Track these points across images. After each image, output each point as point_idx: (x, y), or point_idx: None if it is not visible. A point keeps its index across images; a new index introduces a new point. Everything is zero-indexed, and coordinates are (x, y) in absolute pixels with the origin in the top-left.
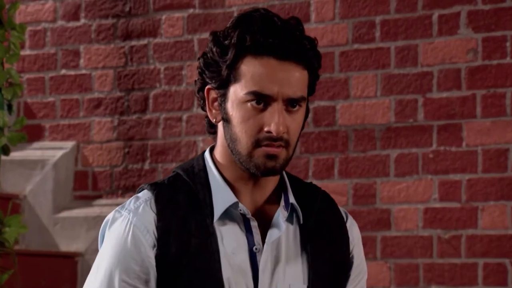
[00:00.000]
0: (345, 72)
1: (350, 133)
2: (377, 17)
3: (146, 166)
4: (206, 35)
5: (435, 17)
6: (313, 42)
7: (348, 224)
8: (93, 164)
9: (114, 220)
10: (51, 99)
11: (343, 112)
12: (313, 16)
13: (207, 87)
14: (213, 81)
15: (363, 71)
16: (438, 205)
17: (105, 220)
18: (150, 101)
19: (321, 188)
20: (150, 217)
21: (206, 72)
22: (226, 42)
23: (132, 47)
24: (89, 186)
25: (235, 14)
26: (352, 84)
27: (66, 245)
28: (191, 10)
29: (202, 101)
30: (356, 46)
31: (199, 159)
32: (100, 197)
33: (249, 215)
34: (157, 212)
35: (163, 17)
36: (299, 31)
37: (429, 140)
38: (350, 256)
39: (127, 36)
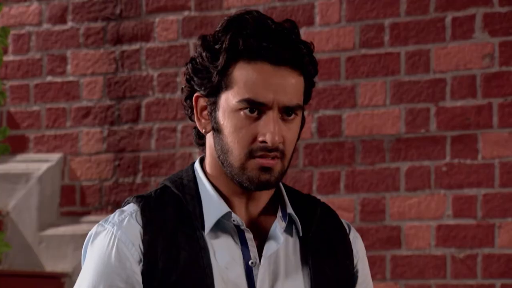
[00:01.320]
0: (351, 79)
1: (357, 144)
2: (386, 20)
3: (138, 179)
4: None
5: (448, 20)
6: (309, 46)
7: (351, 237)
8: (81, 178)
9: (97, 234)
10: (36, 108)
11: (349, 122)
12: (317, 19)
13: (195, 94)
14: (203, 88)
15: (371, 78)
16: (452, 222)
17: (88, 235)
18: (143, 110)
19: (323, 201)
20: (135, 230)
21: (195, 79)
22: (217, 46)
23: (123, 52)
24: (77, 202)
25: None
26: (359, 92)
27: (51, 265)
28: (186, 13)
29: (189, 110)
30: (363, 51)
31: (188, 170)
32: (88, 213)
33: (243, 226)
34: (143, 225)
35: (157, 20)
36: (294, 34)
37: (442, 152)
38: (355, 270)
39: (117, 40)
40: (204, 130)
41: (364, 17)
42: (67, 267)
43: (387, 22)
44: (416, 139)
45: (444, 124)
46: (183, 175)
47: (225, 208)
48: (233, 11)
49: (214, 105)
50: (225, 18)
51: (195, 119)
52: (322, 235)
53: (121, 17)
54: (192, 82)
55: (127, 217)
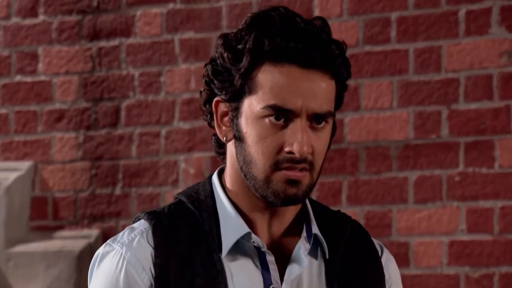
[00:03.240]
0: (354, 79)
1: (361, 151)
2: (393, 13)
3: (117, 191)
4: (189, 34)
5: (462, 13)
6: (341, 47)
7: (383, 259)
8: (53, 189)
9: (104, 255)
10: (3, 111)
11: (352, 127)
12: (316, 12)
13: (215, 99)
14: (224, 92)
15: (376, 78)
16: (466, 237)
17: (94, 256)
18: (122, 113)
19: (354, 219)
20: (146, 252)
21: (215, 82)
22: (240, 46)
23: (100, 49)
24: (49, 215)
25: (223, 10)
26: (363, 93)
27: (21, 285)
28: (171, 5)
29: (209, 115)
30: (368, 48)
31: (206, 184)
32: (61, 228)
33: (264, 248)
34: (155, 246)
35: (138, 13)
36: (325, 34)
37: (455, 160)
38: None
39: (94, 35)
40: (225, 139)
41: (368, 11)
42: (38, 287)
43: (394, 16)
44: (426, 145)
45: (457, 129)
46: (200, 189)
47: (244, 228)
48: (223, 4)
49: (236, 111)
50: (249, 15)
51: (215, 126)
52: (351, 258)
53: (98, 10)
54: (212, 85)
55: (138, 237)
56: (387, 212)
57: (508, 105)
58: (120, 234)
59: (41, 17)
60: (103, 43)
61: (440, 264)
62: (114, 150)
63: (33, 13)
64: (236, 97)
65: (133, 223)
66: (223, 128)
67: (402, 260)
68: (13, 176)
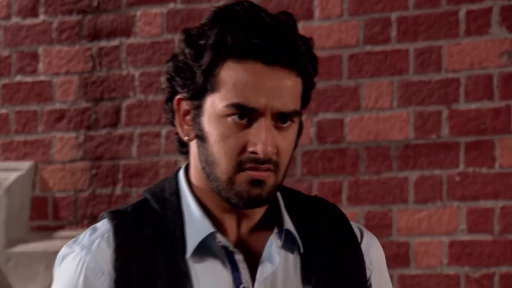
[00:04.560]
0: (355, 79)
1: (361, 151)
2: (393, 13)
3: (118, 190)
4: None
5: (462, 13)
6: (308, 43)
7: (363, 245)
8: (53, 189)
9: (65, 256)
10: (3, 111)
11: (352, 127)
12: (316, 12)
13: (177, 97)
14: (185, 89)
15: (376, 78)
16: (466, 237)
17: (58, 255)
18: (122, 113)
19: (333, 204)
20: (106, 255)
21: (177, 79)
22: (202, 42)
23: (101, 48)
24: (49, 215)
25: None
26: (363, 93)
27: (21, 285)
28: (171, 5)
29: (171, 113)
30: (368, 48)
31: (172, 181)
32: (62, 228)
33: (231, 248)
34: (116, 247)
35: (138, 13)
36: (291, 29)
37: (455, 160)
38: (368, 284)
39: (95, 35)
40: (187, 138)
41: (368, 11)
42: (38, 287)
43: (394, 15)
44: (426, 145)
45: (458, 129)
46: (166, 186)
47: (209, 228)
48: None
49: (198, 109)
50: (212, 9)
51: (177, 125)
52: (328, 249)
53: (98, 10)
54: (173, 82)
55: (98, 239)
56: (387, 212)
57: (508, 105)
58: (82, 234)
59: (41, 17)
60: (103, 43)
61: (440, 264)
62: (114, 150)
63: (33, 13)
64: (198, 95)
65: (98, 221)
66: (185, 127)
67: (402, 260)
68: (13, 176)
